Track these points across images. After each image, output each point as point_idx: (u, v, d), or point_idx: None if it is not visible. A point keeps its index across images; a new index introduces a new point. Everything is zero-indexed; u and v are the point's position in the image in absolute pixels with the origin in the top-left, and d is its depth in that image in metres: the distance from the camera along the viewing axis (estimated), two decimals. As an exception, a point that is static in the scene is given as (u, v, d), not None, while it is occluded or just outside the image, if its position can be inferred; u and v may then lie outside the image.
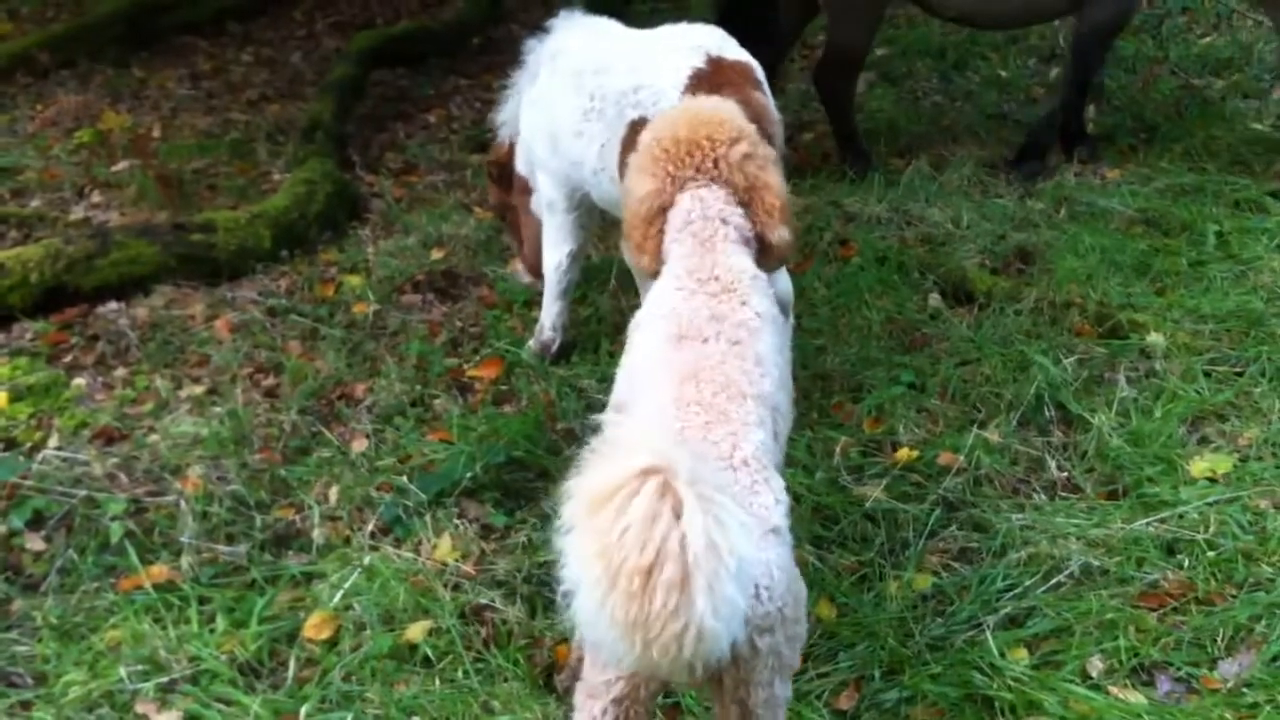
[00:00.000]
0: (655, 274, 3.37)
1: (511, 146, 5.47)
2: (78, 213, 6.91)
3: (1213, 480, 4.36)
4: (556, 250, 5.23)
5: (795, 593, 2.59)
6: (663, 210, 3.37)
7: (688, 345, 2.95)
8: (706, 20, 4.98)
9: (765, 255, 3.39)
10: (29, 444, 4.75)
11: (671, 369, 2.88)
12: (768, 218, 3.36)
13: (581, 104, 4.66)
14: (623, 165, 4.46)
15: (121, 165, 7.51)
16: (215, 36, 10.79)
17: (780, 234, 3.37)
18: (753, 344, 2.98)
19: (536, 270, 5.61)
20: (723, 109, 3.47)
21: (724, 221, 3.28)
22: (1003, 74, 9.03)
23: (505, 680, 3.59)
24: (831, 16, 7.26)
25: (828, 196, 6.84)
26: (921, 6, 7.41)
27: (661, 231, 3.37)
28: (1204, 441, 4.63)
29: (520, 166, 5.44)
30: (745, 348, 2.95)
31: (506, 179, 5.59)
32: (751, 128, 3.45)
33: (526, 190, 5.44)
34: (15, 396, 5.02)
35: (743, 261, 3.24)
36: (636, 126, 4.35)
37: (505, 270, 6.07)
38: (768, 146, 3.48)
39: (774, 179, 3.39)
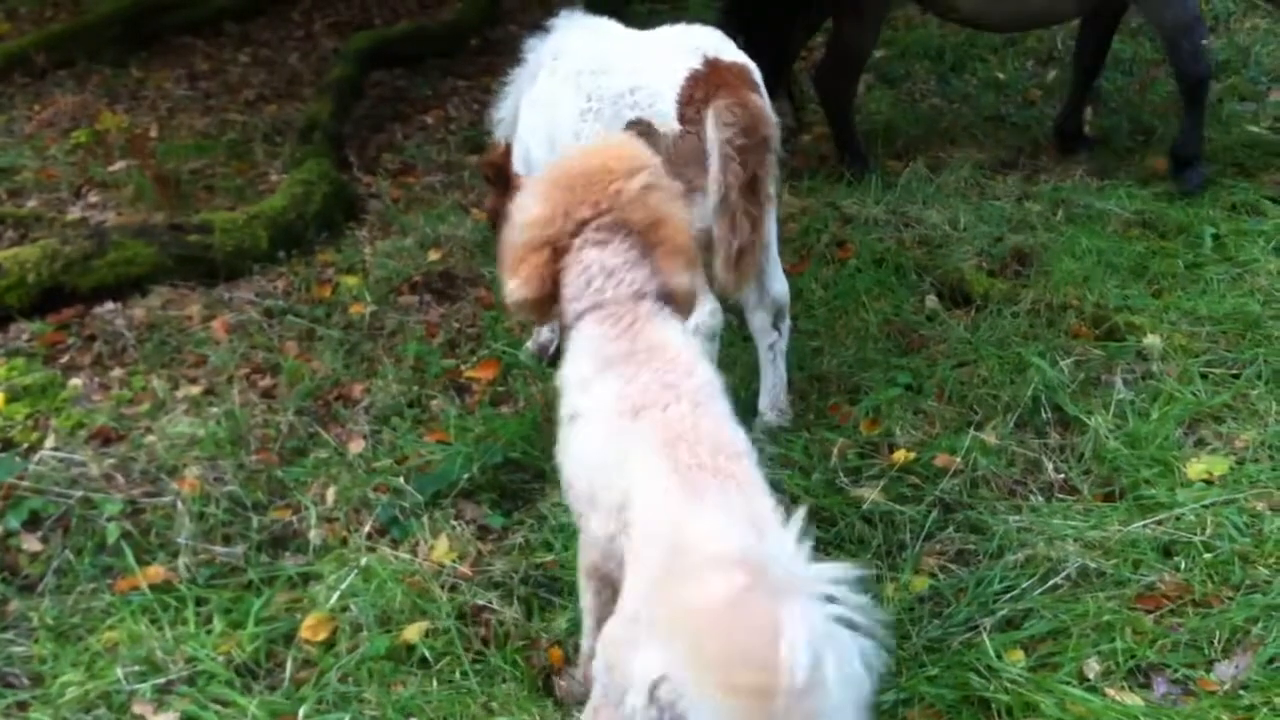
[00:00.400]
0: (527, 305, 3.14)
1: (508, 147, 5.47)
2: (75, 213, 6.90)
3: (1209, 482, 4.37)
4: (553, 251, 5.21)
5: None
6: (550, 245, 3.08)
7: (649, 415, 2.75)
8: (705, 20, 4.98)
9: (667, 302, 3.11)
10: (26, 444, 4.75)
11: (644, 439, 2.69)
12: (668, 260, 3.07)
13: (579, 104, 4.66)
14: None
15: (119, 165, 7.51)
16: (213, 37, 10.78)
17: (679, 280, 3.09)
18: (714, 406, 2.82)
19: None
20: (628, 144, 3.23)
21: (640, 297, 3.03)
22: (1000, 76, 9.04)
23: (503, 681, 3.59)
24: (835, 17, 7.26)
25: (825, 198, 6.85)
26: (927, 7, 7.41)
27: (546, 265, 3.08)
28: (1201, 444, 4.64)
29: (518, 167, 5.43)
30: (710, 408, 2.79)
31: (503, 180, 5.58)
32: (654, 161, 3.16)
33: None
34: (12, 397, 5.02)
35: (672, 333, 3.01)
36: (634, 127, 4.36)
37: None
38: (670, 181, 3.19)
39: (679, 213, 3.12)
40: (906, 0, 7.99)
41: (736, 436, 2.74)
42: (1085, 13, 7.03)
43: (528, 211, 3.12)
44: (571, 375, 3.02)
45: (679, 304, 3.13)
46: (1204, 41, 6.75)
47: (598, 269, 3.03)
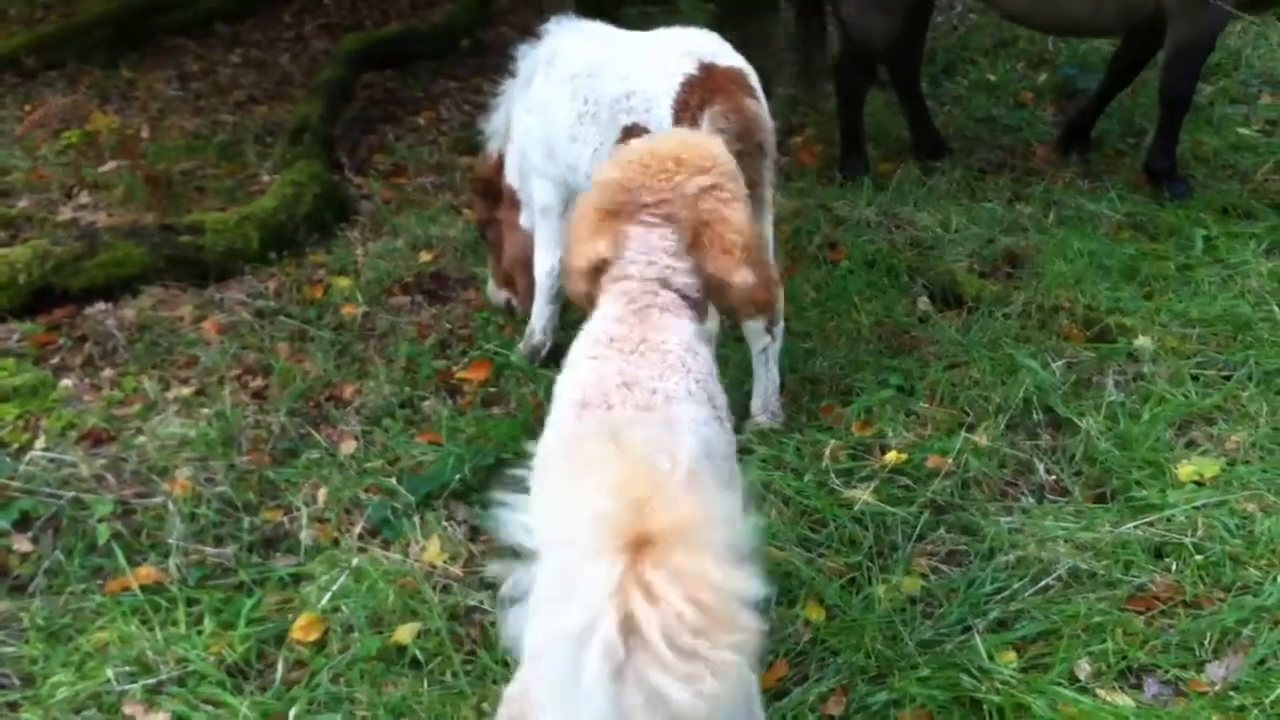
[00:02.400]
0: (594, 271, 3.11)
1: (500, 159, 5.47)
2: (65, 214, 6.89)
3: (1200, 484, 4.38)
4: (549, 255, 5.23)
5: None
6: (618, 212, 3.09)
7: (590, 413, 2.68)
8: (697, 23, 4.98)
9: (721, 297, 3.12)
10: (16, 445, 4.73)
11: (565, 439, 2.64)
12: (725, 257, 3.03)
13: (576, 108, 4.67)
14: None
15: (109, 166, 7.50)
16: (204, 38, 10.75)
17: (741, 275, 3.04)
18: (668, 410, 2.69)
19: (510, 285, 5.63)
20: (706, 142, 3.21)
21: (664, 285, 3.01)
22: (992, 78, 9.04)
23: (494, 682, 3.59)
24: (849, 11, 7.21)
25: (817, 200, 6.85)
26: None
27: (617, 231, 3.09)
28: (1192, 445, 4.65)
29: (510, 179, 5.43)
30: (658, 414, 2.67)
31: (494, 193, 5.58)
32: (726, 162, 3.16)
33: (515, 204, 5.45)
34: (2, 398, 5.00)
35: (680, 329, 2.95)
36: (630, 132, 4.36)
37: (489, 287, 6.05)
38: (739, 184, 3.19)
39: (737, 215, 3.08)
40: None
41: (683, 443, 2.59)
42: (1127, 29, 7.01)
43: (607, 175, 3.14)
44: (571, 352, 2.99)
45: (733, 299, 3.12)
46: (1200, 66, 6.86)
47: (639, 245, 3.04)
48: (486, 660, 3.67)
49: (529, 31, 5.25)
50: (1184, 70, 6.71)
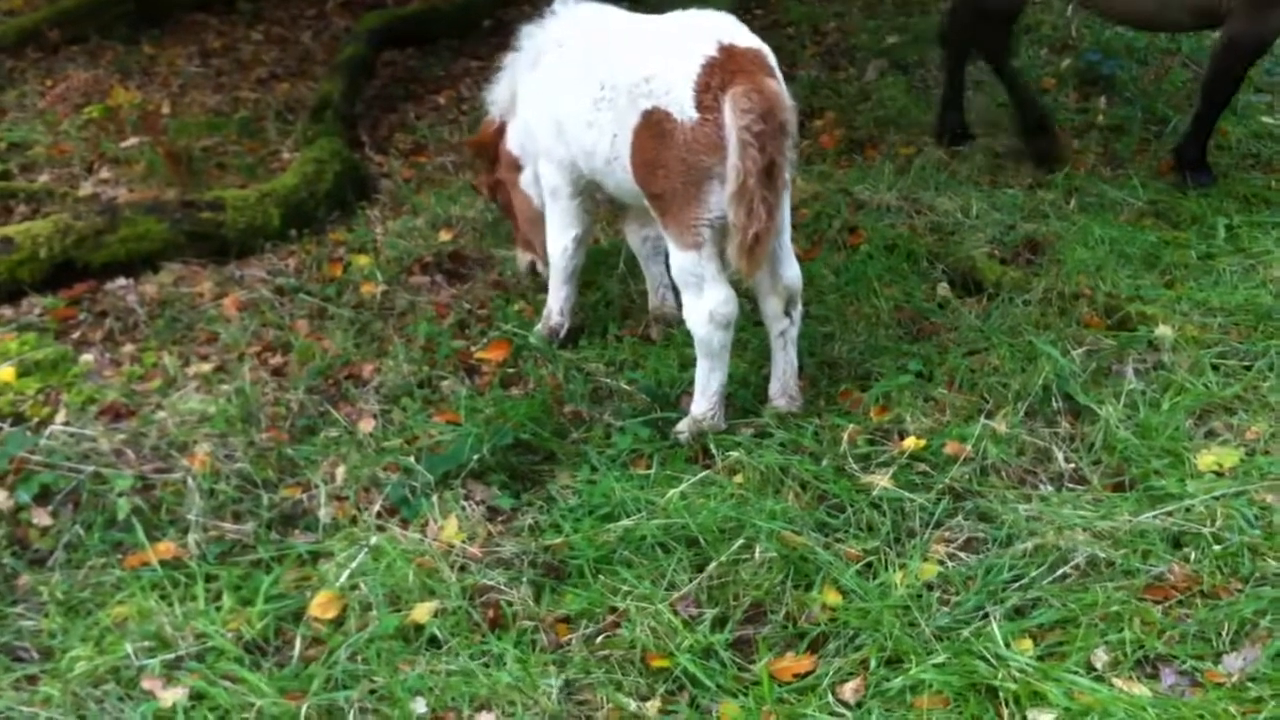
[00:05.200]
0: None
1: (502, 125, 5.47)
2: (87, 188, 6.91)
3: (1219, 474, 4.36)
4: (562, 235, 5.23)
5: None
6: None
7: None
8: (722, 7, 4.97)
9: None
10: (37, 419, 4.76)
11: None
12: None
13: (591, 92, 4.65)
14: (636, 154, 4.48)
15: (131, 142, 7.51)
16: (225, 14, 10.75)
17: None
18: None
19: (530, 247, 5.63)
20: None
21: None
22: (1014, 64, 8.98)
23: (511, 662, 3.59)
24: None
25: (837, 184, 6.83)
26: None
27: None
28: (1211, 435, 4.63)
29: (511, 145, 5.44)
30: None
31: (490, 157, 5.60)
32: None
33: (515, 168, 5.47)
34: (23, 371, 5.02)
35: None
36: (649, 116, 4.36)
37: (511, 255, 6.05)
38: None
39: None
40: None
41: None
42: (1197, 27, 6.92)
43: None
44: None
45: None
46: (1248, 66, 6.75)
47: None
48: (503, 640, 3.67)
49: (538, 14, 5.23)
50: (1230, 65, 6.61)
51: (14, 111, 8.26)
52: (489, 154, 5.60)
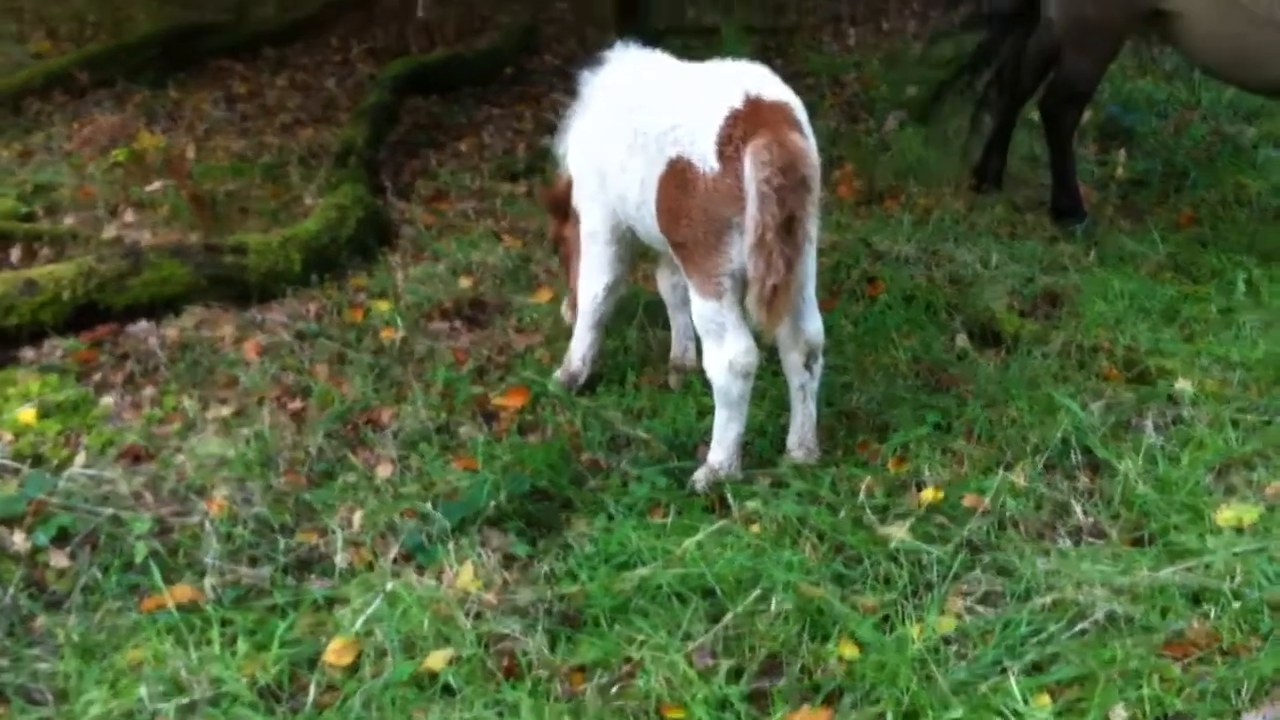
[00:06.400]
0: None
1: (569, 180, 5.50)
2: (110, 231, 6.96)
3: (1239, 530, 4.33)
4: (594, 281, 5.25)
5: None
6: None
7: None
8: (741, 54, 5.00)
9: None
10: (56, 461, 4.77)
11: None
12: None
13: (626, 138, 4.69)
14: (661, 201, 4.50)
15: (155, 185, 7.57)
16: (251, 60, 10.90)
17: None
18: None
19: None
20: None
21: None
22: (1034, 117, 9.02)
23: (525, 712, 3.58)
24: (1065, 47, 7.17)
25: (856, 234, 6.85)
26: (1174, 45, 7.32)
27: None
28: (1231, 491, 4.60)
29: (575, 199, 5.47)
30: None
31: (562, 211, 5.61)
32: None
33: (577, 220, 5.48)
34: (44, 413, 5.04)
35: None
36: (675, 164, 4.39)
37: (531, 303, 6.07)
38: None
39: None
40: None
41: None
42: None
43: None
44: None
45: None
46: None
47: None
48: (518, 689, 3.65)
49: (573, 61, 5.28)
50: None
51: (40, 154, 8.36)
52: (561, 208, 5.61)
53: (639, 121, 4.62)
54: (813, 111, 8.15)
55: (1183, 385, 5.16)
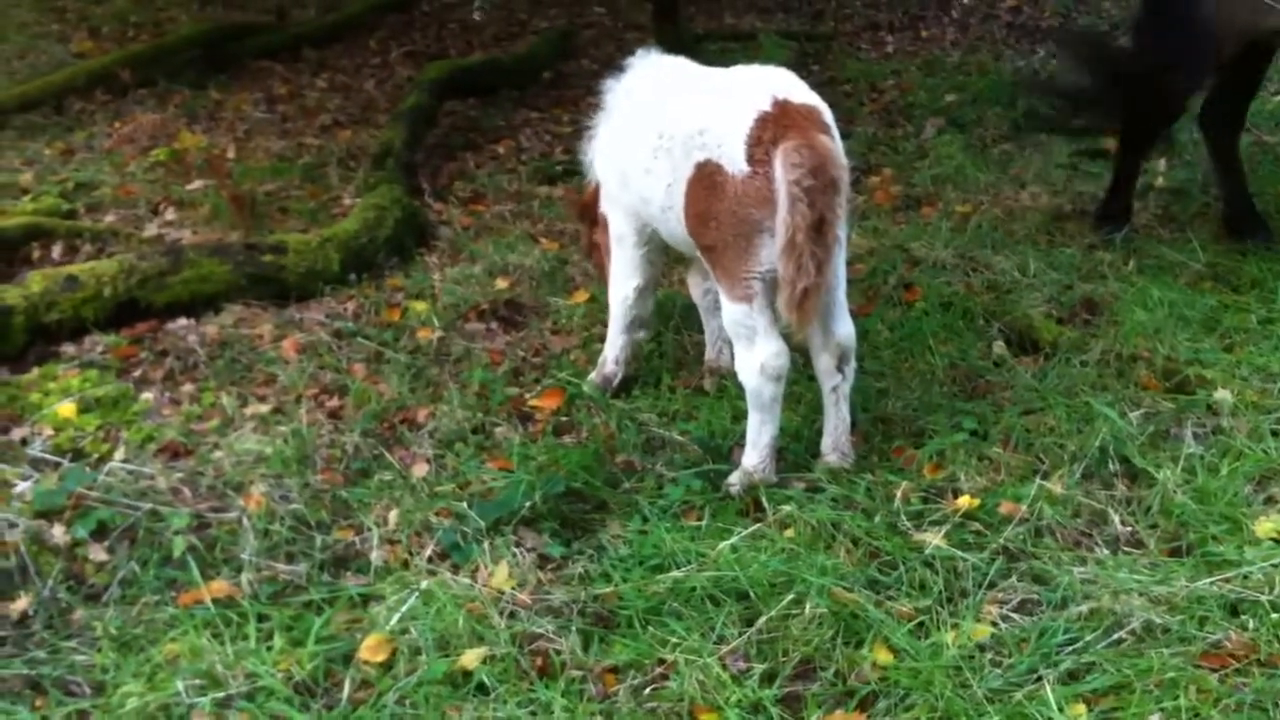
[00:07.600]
0: None
1: (597, 188, 5.52)
2: (151, 230, 7.02)
3: (1278, 541, 4.29)
4: (624, 284, 5.26)
5: None
6: None
7: None
8: (778, 59, 5.01)
9: None
10: (96, 455, 4.82)
11: None
12: None
13: (650, 141, 4.70)
14: (689, 205, 4.51)
15: (196, 184, 7.63)
16: (291, 62, 10.97)
17: None
18: None
19: None
20: None
21: None
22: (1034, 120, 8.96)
23: (558, 711, 3.59)
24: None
25: (893, 240, 6.83)
26: None
27: None
28: (1270, 501, 4.56)
29: (603, 205, 5.49)
30: None
31: (592, 219, 5.63)
32: None
33: (606, 228, 5.50)
34: (84, 408, 5.10)
35: None
36: (703, 168, 4.40)
37: (569, 301, 6.08)
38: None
39: None
40: None
41: None
42: None
43: None
44: None
45: None
46: None
47: None
48: (551, 689, 3.66)
49: (610, 65, 5.29)
50: None
51: (82, 152, 8.45)
52: (590, 215, 5.63)
53: (664, 124, 4.62)
54: (850, 118, 8.19)
55: (1222, 395, 5.12)
